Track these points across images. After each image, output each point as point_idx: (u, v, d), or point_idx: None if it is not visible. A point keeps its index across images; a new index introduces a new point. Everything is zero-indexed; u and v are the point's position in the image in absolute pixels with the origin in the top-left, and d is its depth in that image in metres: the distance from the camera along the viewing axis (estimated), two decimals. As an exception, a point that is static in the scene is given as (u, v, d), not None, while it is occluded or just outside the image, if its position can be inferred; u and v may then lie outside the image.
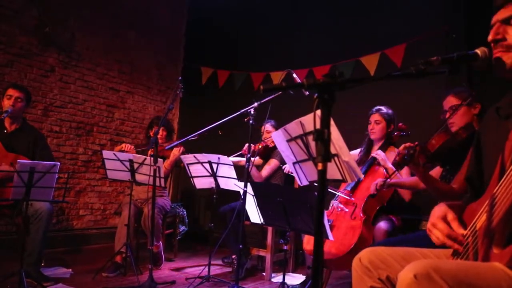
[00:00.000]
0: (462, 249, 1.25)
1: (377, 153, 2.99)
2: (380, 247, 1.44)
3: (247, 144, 3.75)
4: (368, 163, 3.05)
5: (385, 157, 2.94)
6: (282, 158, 3.93)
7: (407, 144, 2.22)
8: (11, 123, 3.39)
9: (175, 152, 3.89)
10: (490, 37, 1.29)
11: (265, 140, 3.95)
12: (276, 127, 3.90)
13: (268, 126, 4.03)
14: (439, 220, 1.30)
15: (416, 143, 2.23)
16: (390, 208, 2.94)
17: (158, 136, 3.99)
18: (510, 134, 1.23)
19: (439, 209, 1.34)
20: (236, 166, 3.46)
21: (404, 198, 2.92)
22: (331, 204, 3.00)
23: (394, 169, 2.90)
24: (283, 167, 3.91)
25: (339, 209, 2.90)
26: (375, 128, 3.17)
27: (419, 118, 3.54)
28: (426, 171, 2.25)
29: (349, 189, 3.00)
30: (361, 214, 2.76)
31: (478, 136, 1.50)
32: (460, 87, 2.46)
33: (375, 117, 3.18)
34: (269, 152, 4.04)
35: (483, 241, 1.17)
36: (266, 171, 3.96)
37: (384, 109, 3.18)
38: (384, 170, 2.90)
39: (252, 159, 4.02)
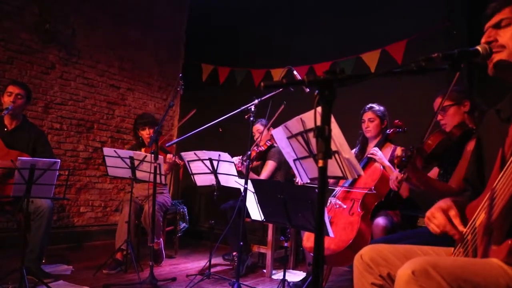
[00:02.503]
0: (459, 236, 1.27)
1: (373, 152, 2.98)
2: (381, 245, 1.45)
3: (237, 158, 3.71)
4: (365, 160, 3.05)
5: (382, 156, 2.93)
6: (278, 158, 3.93)
7: (403, 148, 2.23)
8: (11, 121, 3.39)
9: (168, 160, 3.79)
10: (483, 40, 1.35)
11: (257, 143, 3.90)
12: (267, 125, 3.86)
13: (258, 126, 4.01)
14: (438, 210, 1.33)
15: (411, 146, 2.24)
16: (389, 204, 2.95)
17: (146, 135, 4.00)
18: (510, 130, 1.23)
19: (444, 202, 1.36)
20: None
21: (402, 194, 2.92)
22: (329, 201, 3.01)
23: (391, 166, 2.91)
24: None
25: (337, 206, 2.91)
26: (370, 126, 3.16)
27: (418, 115, 3.54)
28: (424, 174, 2.26)
29: (347, 186, 3.00)
30: (359, 210, 2.77)
31: (479, 139, 1.50)
32: (449, 87, 2.45)
33: (368, 115, 3.17)
34: (264, 154, 4.02)
35: (482, 238, 1.18)
36: (264, 174, 3.93)
37: (376, 106, 3.18)
38: (381, 167, 2.91)
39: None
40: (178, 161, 3.71)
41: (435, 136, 2.26)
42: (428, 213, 1.36)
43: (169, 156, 3.79)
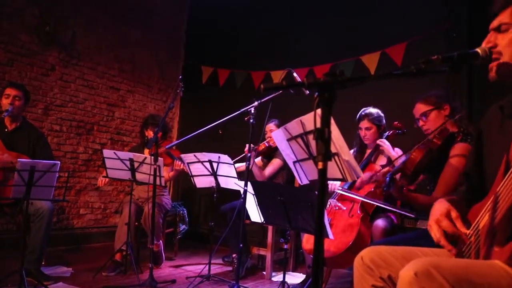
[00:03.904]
0: (455, 252, 1.25)
1: (381, 142, 3.00)
2: (381, 246, 1.45)
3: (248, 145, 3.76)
4: (364, 162, 3.04)
5: (389, 146, 2.95)
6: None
7: (385, 170, 2.26)
8: (11, 122, 3.39)
9: (176, 167, 3.84)
10: (483, 45, 1.32)
11: (268, 140, 3.95)
12: (280, 126, 3.89)
13: (272, 125, 4.02)
14: (443, 217, 1.30)
15: (389, 169, 2.26)
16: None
17: None
18: None
19: (442, 206, 1.34)
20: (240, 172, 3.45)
21: None
22: (329, 203, 3.00)
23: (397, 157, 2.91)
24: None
25: (337, 208, 2.90)
26: (367, 134, 3.14)
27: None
28: (409, 194, 2.27)
29: (346, 187, 3.00)
30: (358, 212, 2.76)
31: (479, 133, 1.51)
32: (427, 93, 2.47)
33: (364, 124, 3.14)
34: (271, 152, 4.03)
35: (485, 240, 1.18)
36: (268, 170, 3.95)
37: (371, 112, 3.15)
38: (380, 167, 2.90)
39: (256, 160, 4.02)
40: (186, 169, 3.68)
41: (416, 151, 2.27)
42: (431, 221, 1.32)
43: (177, 163, 3.79)
